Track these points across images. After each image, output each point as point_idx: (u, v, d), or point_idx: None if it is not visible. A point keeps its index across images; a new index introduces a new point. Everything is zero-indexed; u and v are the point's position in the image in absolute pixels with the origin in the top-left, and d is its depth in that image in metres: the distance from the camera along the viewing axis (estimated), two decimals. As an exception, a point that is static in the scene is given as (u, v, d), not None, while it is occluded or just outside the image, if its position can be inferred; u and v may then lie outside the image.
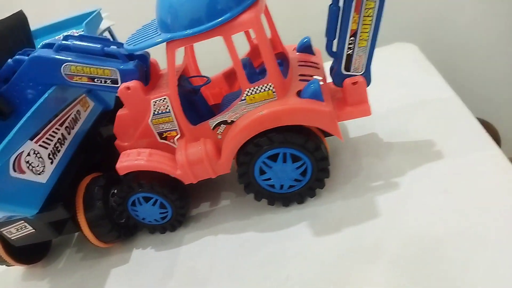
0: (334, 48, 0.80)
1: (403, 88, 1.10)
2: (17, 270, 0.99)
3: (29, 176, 0.74)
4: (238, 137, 0.77)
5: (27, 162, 0.75)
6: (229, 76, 0.98)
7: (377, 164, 0.89)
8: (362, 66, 0.79)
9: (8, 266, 0.96)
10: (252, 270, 0.76)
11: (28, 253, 0.96)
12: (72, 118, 0.92)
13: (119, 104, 1.12)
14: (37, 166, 0.77)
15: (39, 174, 0.77)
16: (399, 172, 0.84)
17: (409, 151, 0.89)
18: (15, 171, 0.71)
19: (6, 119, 0.89)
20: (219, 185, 1.00)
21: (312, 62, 0.88)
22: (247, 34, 0.92)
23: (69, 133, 0.89)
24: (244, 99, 0.76)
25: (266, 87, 0.74)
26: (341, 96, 0.83)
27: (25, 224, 0.82)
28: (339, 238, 0.75)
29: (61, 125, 0.87)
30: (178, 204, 0.87)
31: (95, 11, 1.09)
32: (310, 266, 0.72)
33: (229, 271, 0.77)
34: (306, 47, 0.90)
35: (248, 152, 0.78)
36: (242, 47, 0.88)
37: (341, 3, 0.75)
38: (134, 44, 0.77)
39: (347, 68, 0.80)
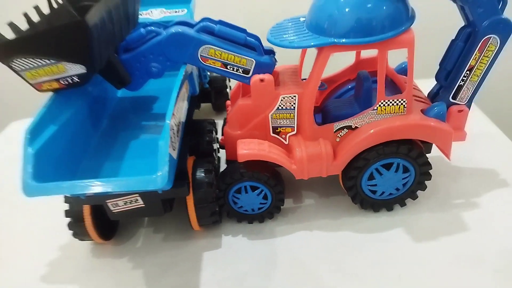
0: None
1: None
2: (84, 245, 0.95)
3: (171, 151, 0.74)
4: (364, 142, 0.84)
5: (170, 137, 0.74)
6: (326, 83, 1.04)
7: (451, 184, 1.00)
8: (467, 97, 0.90)
9: (82, 240, 0.92)
10: (362, 267, 0.82)
11: (106, 229, 0.92)
12: (182, 97, 0.91)
13: (201, 90, 1.14)
14: (174, 141, 0.77)
15: (174, 149, 0.76)
16: (476, 193, 0.97)
17: (477, 176, 1.02)
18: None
19: (120, 88, 0.88)
20: (297, 185, 1.05)
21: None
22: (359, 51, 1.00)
23: (181, 112, 0.89)
24: (376, 109, 0.83)
25: (399, 101, 0.82)
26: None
27: (138, 198, 0.80)
28: (440, 246, 0.85)
29: (178, 103, 0.87)
30: (280, 197, 0.91)
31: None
32: (419, 268, 0.80)
33: (338, 266, 0.83)
34: (405, 71, 1.00)
35: (366, 158, 0.85)
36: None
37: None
38: (280, 39, 0.81)
39: (454, 97, 0.90)
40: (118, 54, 0.84)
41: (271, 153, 0.85)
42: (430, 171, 0.89)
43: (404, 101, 0.83)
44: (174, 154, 0.77)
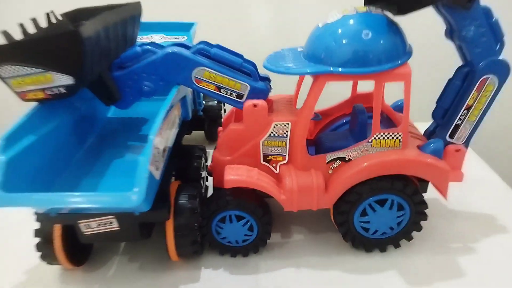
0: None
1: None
2: (53, 270, 0.88)
3: (153, 169, 0.70)
4: (357, 175, 0.80)
5: (153, 155, 0.71)
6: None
7: (447, 226, 0.96)
8: (464, 137, 0.88)
9: (50, 264, 0.85)
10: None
11: (76, 253, 0.86)
12: (173, 120, 0.89)
13: (194, 117, 1.12)
14: (158, 161, 0.73)
15: (157, 169, 0.73)
16: (473, 238, 0.92)
17: (474, 220, 0.98)
18: (148, 161, 0.67)
19: (109, 105, 0.85)
20: (287, 218, 1.00)
21: (408, 123, 0.96)
22: (355, 83, 0.99)
23: (171, 133, 0.86)
24: (370, 142, 0.80)
25: (395, 135, 0.80)
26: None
27: (113, 219, 0.75)
28: (433, 291, 0.79)
29: (167, 123, 0.84)
30: (266, 229, 0.86)
31: (195, 23, 1.12)
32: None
33: (324, 308, 0.77)
34: (401, 108, 0.98)
35: (359, 192, 0.81)
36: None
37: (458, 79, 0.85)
38: (276, 66, 0.79)
39: (452, 136, 0.88)
40: (111, 70, 0.83)
41: (260, 181, 0.81)
42: (426, 210, 0.84)
43: (399, 135, 0.80)
44: (157, 175, 0.73)
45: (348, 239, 0.87)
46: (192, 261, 0.89)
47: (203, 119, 1.26)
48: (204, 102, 1.27)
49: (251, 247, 0.88)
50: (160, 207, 0.74)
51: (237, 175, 0.81)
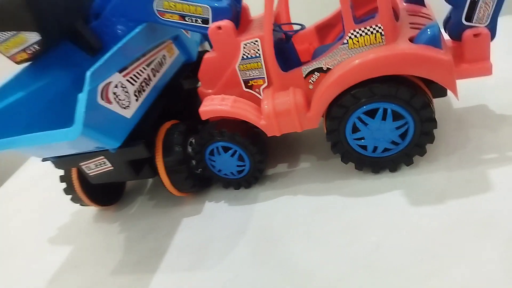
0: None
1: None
2: (89, 211, 1.01)
3: (115, 107, 0.73)
4: (334, 86, 0.69)
5: (114, 93, 0.73)
6: (323, 30, 0.91)
7: (488, 135, 0.77)
8: (487, 16, 0.68)
9: (82, 205, 0.97)
10: (334, 234, 0.69)
11: (102, 195, 0.96)
12: (158, 61, 0.90)
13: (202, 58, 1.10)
14: (124, 99, 0.75)
15: (124, 108, 0.75)
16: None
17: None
18: (102, 99, 0.70)
19: (95, 55, 0.89)
20: (298, 146, 0.94)
21: (423, 13, 0.77)
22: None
23: (154, 75, 0.87)
24: (346, 43, 0.68)
25: (374, 29, 0.66)
26: (456, 52, 0.71)
27: (105, 160, 0.81)
28: (443, 209, 0.66)
29: (148, 65, 0.85)
30: (257, 158, 0.82)
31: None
32: (406, 236, 0.64)
33: (307, 233, 0.71)
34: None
35: (343, 104, 0.71)
36: None
37: None
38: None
39: (469, 18, 0.68)
40: (89, 21, 0.86)
41: (234, 108, 0.77)
42: (433, 116, 0.69)
43: (379, 28, 0.66)
44: (126, 113, 0.76)
45: (347, 160, 0.78)
46: (199, 196, 0.91)
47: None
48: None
49: (250, 178, 0.86)
50: (135, 144, 0.77)
51: (210, 105, 0.79)
